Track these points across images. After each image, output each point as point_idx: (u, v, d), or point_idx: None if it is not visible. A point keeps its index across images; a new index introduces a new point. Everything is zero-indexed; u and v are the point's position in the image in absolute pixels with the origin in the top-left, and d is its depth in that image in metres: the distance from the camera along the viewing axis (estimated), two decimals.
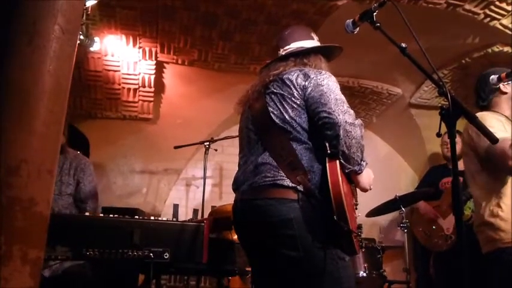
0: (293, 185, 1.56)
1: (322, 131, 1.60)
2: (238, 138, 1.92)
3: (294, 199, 1.56)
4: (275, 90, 1.73)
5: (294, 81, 1.69)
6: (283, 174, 1.59)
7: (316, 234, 1.54)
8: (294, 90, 1.68)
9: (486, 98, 2.39)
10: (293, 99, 1.67)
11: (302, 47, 1.87)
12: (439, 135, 1.45)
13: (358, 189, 1.77)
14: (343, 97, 1.64)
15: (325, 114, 1.58)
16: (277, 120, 1.68)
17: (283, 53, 1.89)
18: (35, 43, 1.34)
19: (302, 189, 1.56)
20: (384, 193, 3.93)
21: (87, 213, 2.08)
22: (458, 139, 2.48)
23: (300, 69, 1.74)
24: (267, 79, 1.79)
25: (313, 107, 1.63)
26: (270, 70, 1.83)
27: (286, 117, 1.66)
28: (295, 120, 1.66)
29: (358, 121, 1.60)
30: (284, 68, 1.79)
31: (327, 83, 1.65)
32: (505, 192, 2.18)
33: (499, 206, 2.18)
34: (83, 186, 2.35)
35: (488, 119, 2.19)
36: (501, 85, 2.34)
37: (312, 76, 1.68)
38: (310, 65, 1.80)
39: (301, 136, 1.64)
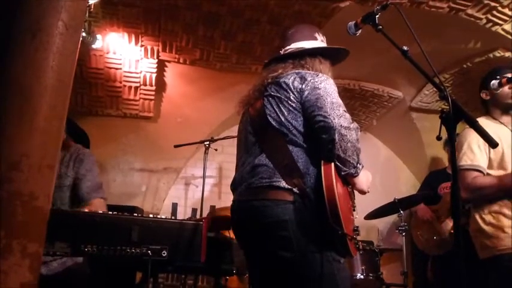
0: (289, 186, 1.57)
1: (317, 134, 1.60)
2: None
3: (289, 201, 1.56)
4: (272, 93, 1.74)
5: (291, 84, 1.69)
6: (279, 176, 1.59)
7: (311, 236, 1.54)
8: (291, 94, 1.68)
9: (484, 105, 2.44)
10: (289, 102, 1.68)
11: (302, 48, 1.87)
12: (439, 138, 1.45)
13: (356, 191, 1.77)
14: (339, 100, 1.64)
15: (320, 118, 1.58)
16: (273, 123, 1.68)
17: (283, 53, 1.89)
18: (38, 39, 1.34)
19: (298, 192, 1.56)
20: (383, 196, 3.95)
21: (86, 210, 2.08)
22: None
23: (297, 72, 1.73)
24: (266, 81, 1.79)
25: (309, 111, 1.63)
26: (270, 72, 1.83)
27: (283, 119, 1.67)
28: (291, 123, 1.66)
29: (354, 124, 1.60)
30: (283, 70, 1.78)
31: (324, 86, 1.65)
32: (497, 200, 2.21)
33: (491, 213, 2.21)
34: (82, 178, 2.33)
35: (470, 137, 2.28)
36: (482, 93, 2.40)
37: (308, 79, 1.68)
38: (307, 67, 1.79)
39: (297, 139, 1.65)
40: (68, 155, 2.34)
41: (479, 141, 2.22)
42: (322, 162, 1.58)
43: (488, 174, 2.25)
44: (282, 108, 1.69)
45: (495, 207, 2.20)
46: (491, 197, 2.22)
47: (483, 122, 2.33)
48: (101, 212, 1.93)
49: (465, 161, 2.26)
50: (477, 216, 2.26)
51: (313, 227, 1.54)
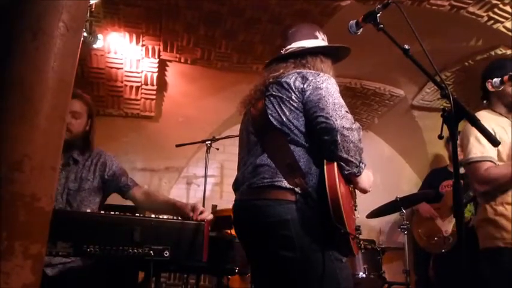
0: (291, 186, 1.57)
1: (319, 135, 1.60)
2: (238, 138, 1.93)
3: (291, 200, 1.56)
4: (274, 93, 1.73)
5: (292, 84, 1.69)
6: (281, 175, 1.59)
7: (313, 235, 1.54)
8: (292, 93, 1.68)
9: (485, 96, 2.39)
10: (291, 102, 1.67)
11: (302, 47, 1.86)
12: (441, 137, 1.44)
13: (357, 191, 1.77)
14: (341, 100, 1.63)
15: (322, 120, 1.57)
16: (275, 123, 1.68)
17: (284, 53, 1.89)
18: (39, 40, 1.34)
19: (300, 191, 1.56)
20: (385, 194, 3.94)
21: (88, 210, 2.08)
22: None
23: (298, 72, 1.73)
24: (267, 81, 1.79)
25: (311, 111, 1.62)
26: (271, 71, 1.83)
27: (284, 119, 1.67)
28: (293, 123, 1.66)
29: (356, 125, 1.60)
30: (284, 70, 1.78)
31: (326, 86, 1.64)
32: (510, 192, 2.17)
33: (503, 205, 2.16)
34: (113, 176, 2.38)
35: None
36: (488, 83, 2.34)
37: (310, 78, 1.68)
38: (309, 66, 1.79)
39: (299, 138, 1.64)
40: (89, 159, 2.36)
41: None
42: (325, 161, 1.58)
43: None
44: (283, 107, 1.68)
45: (508, 199, 2.16)
46: (509, 186, 2.15)
47: (486, 115, 2.30)
48: (103, 212, 1.94)
49: (475, 153, 2.20)
50: (487, 207, 2.21)
51: (315, 227, 1.54)
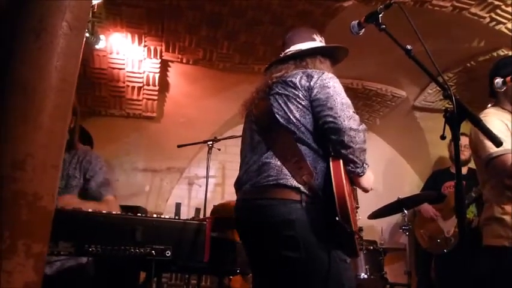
0: (297, 185, 1.56)
1: (326, 134, 1.61)
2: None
3: (296, 200, 1.56)
4: (279, 91, 1.74)
5: (298, 83, 1.70)
6: (287, 173, 1.59)
7: (318, 235, 1.54)
8: (299, 92, 1.69)
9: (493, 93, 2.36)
10: (298, 99, 1.68)
11: (300, 50, 1.88)
12: (443, 138, 1.44)
13: (358, 191, 1.78)
14: (348, 100, 1.65)
15: (330, 119, 1.59)
16: (281, 121, 1.68)
17: (282, 56, 1.90)
18: (42, 40, 1.35)
19: (306, 190, 1.56)
20: (387, 195, 3.94)
21: (90, 210, 2.08)
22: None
23: (303, 71, 1.74)
24: (270, 81, 1.80)
25: (318, 109, 1.63)
26: (272, 73, 1.84)
27: (291, 117, 1.67)
28: (300, 121, 1.66)
29: (362, 126, 1.62)
30: (286, 70, 1.80)
31: (333, 85, 1.66)
32: None
33: (511, 203, 2.14)
34: (90, 179, 2.36)
35: (490, 121, 2.18)
36: (495, 80, 2.30)
37: (315, 76, 1.69)
38: (309, 67, 1.80)
39: (305, 137, 1.65)
40: (76, 157, 2.36)
41: (502, 126, 2.16)
42: (331, 158, 1.59)
43: None
44: (290, 105, 1.69)
45: None
46: None
47: (492, 111, 2.28)
48: (105, 211, 1.94)
49: (496, 148, 2.16)
50: (495, 206, 2.17)
51: (320, 227, 1.54)
